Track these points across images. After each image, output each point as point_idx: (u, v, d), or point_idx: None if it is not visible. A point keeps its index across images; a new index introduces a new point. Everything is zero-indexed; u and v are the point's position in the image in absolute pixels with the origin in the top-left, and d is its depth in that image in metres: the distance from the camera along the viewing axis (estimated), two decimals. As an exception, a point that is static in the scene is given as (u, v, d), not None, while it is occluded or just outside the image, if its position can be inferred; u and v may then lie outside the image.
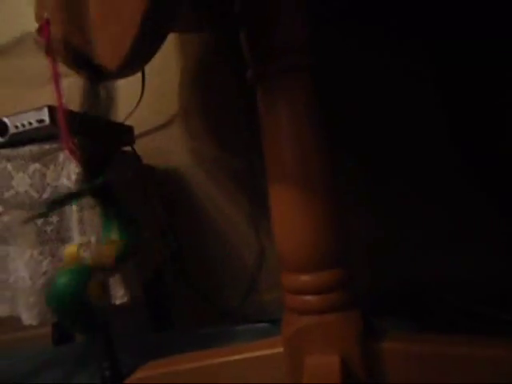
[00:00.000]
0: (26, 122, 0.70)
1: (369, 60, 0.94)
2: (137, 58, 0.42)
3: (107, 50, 0.44)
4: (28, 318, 0.69)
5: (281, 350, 0.56)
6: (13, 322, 0.74)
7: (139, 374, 0.64)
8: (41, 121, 0.69)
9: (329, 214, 0.55)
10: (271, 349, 0.59)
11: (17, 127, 0.70)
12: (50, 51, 0.58)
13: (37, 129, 0.69)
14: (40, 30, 0.59)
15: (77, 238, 0.70)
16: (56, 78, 0.63)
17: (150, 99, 1.02)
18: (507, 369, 0.51)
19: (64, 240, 0.71)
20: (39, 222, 0.71)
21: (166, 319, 1.01)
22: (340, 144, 0.90)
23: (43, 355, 0.96)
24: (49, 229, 0.71)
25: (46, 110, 0.69)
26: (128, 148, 0.98)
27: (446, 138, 0.94)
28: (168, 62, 1.05)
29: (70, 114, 0.65)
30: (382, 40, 0.92)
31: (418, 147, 0.95)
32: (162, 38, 0.43)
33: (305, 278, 0.55)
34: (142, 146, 1.00)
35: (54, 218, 0.71)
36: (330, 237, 0.55)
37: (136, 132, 0.99)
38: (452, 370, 0.53)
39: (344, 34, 0.93)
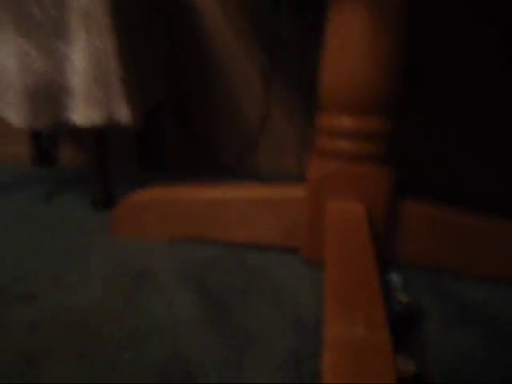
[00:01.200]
0: None
1: None
2: None
3: None
4: (16, 118, 0.61)
5: (303, 193, 0.53)
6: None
7: (140, 196, 0.60)
8: None
9: (394, 54, 0.48)
10: (292, 192, 0.55)
11: None
12: None
13: None
14: None
15: (77, 41, 0.59)
16: None
17: None
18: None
19: (64, 38, 0.60)
20: (32, 7, 0.58)
21: (158, 160, 0.95)
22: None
23: (22, 174, 0.90)
24: (44, 19, 0.59)
25: None
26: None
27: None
28: None
29: None
30: None
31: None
32: None
33: (347, 120, 0.50)
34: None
35: (52, 11, 0.59)
36: (390, 81, 0.48)
37: None
38: (472, 240, 0.53)
39: None
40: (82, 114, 0.59)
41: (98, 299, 0.45)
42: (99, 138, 0.67)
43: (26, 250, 0.56)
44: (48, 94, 0.61)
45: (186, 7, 0.91)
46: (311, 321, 0.43)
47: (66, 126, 0.64)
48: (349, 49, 0.49)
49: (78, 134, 0.95)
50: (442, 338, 0.42)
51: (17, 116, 0.60)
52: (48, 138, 0.93)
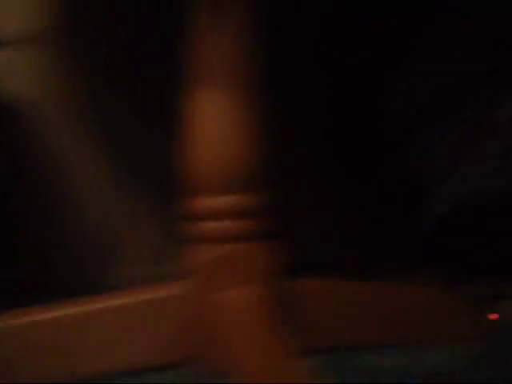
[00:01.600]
0: None
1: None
2: None
3: None
4: None
5: (180, 291, 0.44)
6: None
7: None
8: None
9: (258, 130, 0.46)
10: (165, 292, 0.46)
11: None
12: None
13: None
14: None
15: None
16: None
17: None
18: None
19: None
20: None
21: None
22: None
23: None
24: None
25: None
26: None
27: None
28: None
29: None
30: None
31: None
32: None
33: (223, 200, 0.44)
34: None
35: None
36: (261, 154, 0.46)
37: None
38: (374, 309, 0.49)
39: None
40: None
41: None
42: None
43: None
44: None
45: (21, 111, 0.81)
46: None
47: None
48: (210, 130, 0.46)
49: None
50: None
51: None
52: None
